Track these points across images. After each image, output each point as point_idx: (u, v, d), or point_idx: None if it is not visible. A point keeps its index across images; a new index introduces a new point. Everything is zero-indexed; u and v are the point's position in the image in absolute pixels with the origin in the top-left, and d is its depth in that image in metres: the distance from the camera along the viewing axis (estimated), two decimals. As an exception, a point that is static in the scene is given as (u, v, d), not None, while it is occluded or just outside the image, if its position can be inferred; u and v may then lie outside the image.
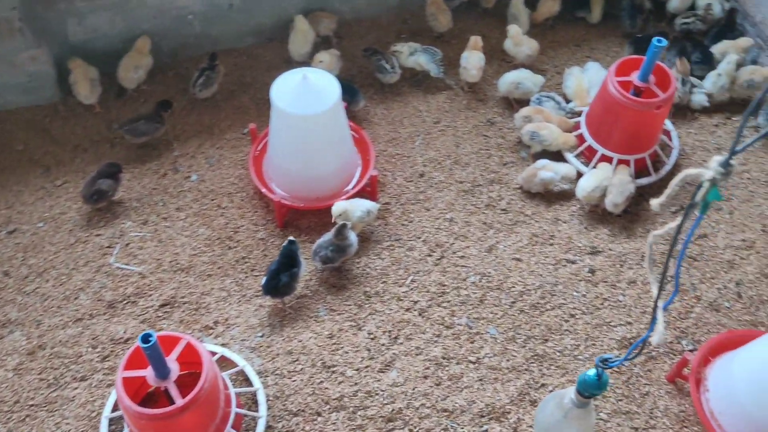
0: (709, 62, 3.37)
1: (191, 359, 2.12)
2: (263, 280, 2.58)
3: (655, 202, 1.48)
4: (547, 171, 2.98)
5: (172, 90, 3.34)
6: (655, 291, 1.56)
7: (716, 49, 3.40)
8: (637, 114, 2.84)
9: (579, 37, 3.70)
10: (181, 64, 3.44)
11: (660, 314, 1.52)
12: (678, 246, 1.50)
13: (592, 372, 1.84)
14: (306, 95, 2.57)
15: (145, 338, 1.85)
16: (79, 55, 3.14)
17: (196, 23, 3.31)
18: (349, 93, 3.15)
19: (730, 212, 3.00)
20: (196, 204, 2.96)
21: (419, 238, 2.88)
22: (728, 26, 3.49)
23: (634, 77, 2.87)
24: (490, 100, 3.38)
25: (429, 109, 3.34)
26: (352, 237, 2.69)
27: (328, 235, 2.68)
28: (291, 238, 2.62)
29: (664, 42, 2.68)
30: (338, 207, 2.71)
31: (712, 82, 3.28)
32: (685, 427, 2.43)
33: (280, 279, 2.55)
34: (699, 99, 3.26)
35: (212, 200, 2.97)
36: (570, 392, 1.93)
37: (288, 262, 2.57)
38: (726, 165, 1.26)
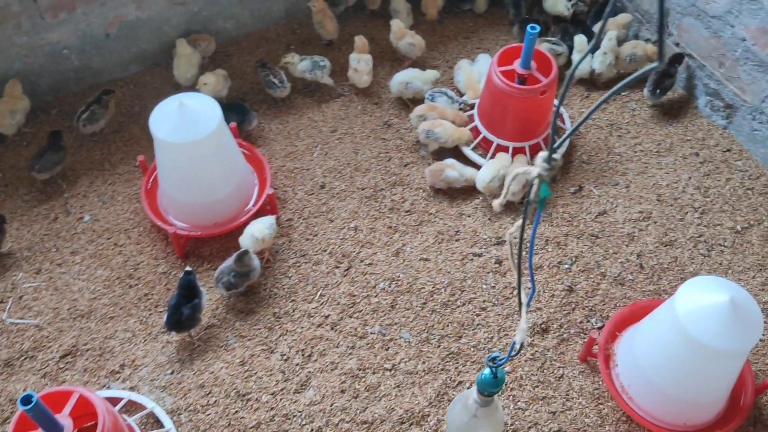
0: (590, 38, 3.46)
1: (88, 410, 2.04)
2: (165, 316, 2.51)
3: (496, 203, 1.47)
4: (453, 170, 2.99)
5: (56, 128, 3.20)
6: (522, 296, 1.56)
7: (597, 27, 3.48)
8: (524, 101, 2.88)
9: (467, 29, 3.73)
10: (64, 100, 3.31)
11: (524, 312, 1.52)
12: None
13: (487, 371, 1.84)
14: (185, 122, 2.50)
15: (26, 400, 1.76)
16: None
17: (73, 57, 3.19)
18: (239, 113, 3.10)
19: (626, 186, 3.08)
20: (91, 245, 2.85)
21: (325, 251, 2.85)
22: (606, 2, 3.57)
23: (517, 65, 2.91)
24: (385, 103, 3.37)
25: (325, 118, 3.30)
26: (255, 261, 2.64)
27: (230, 261, 2.62)
28: (187, 268, 2.55)
29: (538, 28, 2.72)
30: (246, 239, 2.66)
31: (599, 61, 3.35)
32: (600, 404, 2.47)
33: (182, 312, 2.48)
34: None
35: (108, 239, 2.87)
36: (473, 393, 1.93)
37: (188, 294, 2.50)
38: (549, 161, 1.27)
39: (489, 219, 2.97)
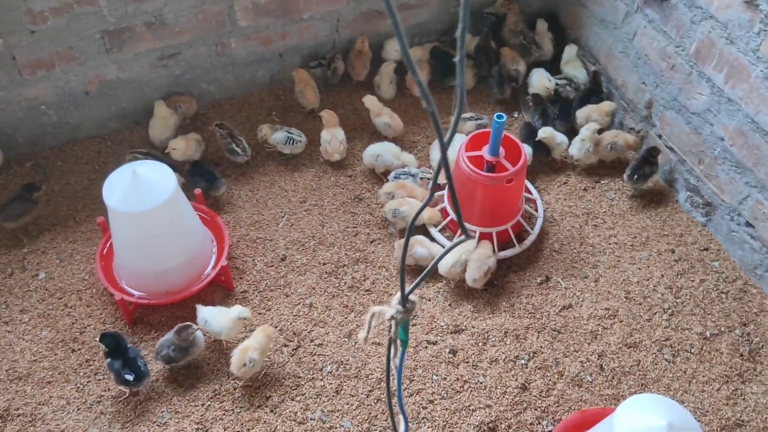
0: (566, 117, 3.45)
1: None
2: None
3: (360, 337, 1.40)
4: (422, 248, 2.92)
5: (29, 180, 3.22)
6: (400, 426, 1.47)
7: (581, 113, 3.43)
8: (490, 188, 2.82)
9: (451, 104, 3.69)
10: (40, 153, 3.33)
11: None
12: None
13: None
14: (137, 191, 2.48)
15: None
16: None
17: (51, 112, 3.22)
18: (207, 179, 3.08)
19: (595, 279, 2.97)
20: (41, 304, 2.82)
21: (276, 327, 2.77)
22: (594, 89, 3.53)
23: (485, 152, 2.86)
24: (359, 176, 3.34)
25: (296, 188, 3.27)
26: (198, 336, 2.58)
27: (170, 334, 2.56)
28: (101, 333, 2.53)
29: (504, 117, 2.68)
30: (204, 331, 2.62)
31: (578, 147, 3.29)
32: None
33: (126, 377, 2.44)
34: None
35: (59, 299, 2.84)
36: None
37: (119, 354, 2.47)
38: (404, 303, 1.20)
39: (449, 305, 2.88)
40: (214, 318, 2.60)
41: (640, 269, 3.00)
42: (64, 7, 2.89)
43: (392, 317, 1.20)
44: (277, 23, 3.39)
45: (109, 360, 2.48)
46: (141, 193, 2.49)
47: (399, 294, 1.19)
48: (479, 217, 2.94)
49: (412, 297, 1.16)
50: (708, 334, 2.79)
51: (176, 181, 2.57)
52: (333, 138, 3.25)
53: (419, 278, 1.19)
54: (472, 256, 2.83)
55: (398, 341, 1.24)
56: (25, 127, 3.22)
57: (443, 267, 2.85)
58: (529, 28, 3.77)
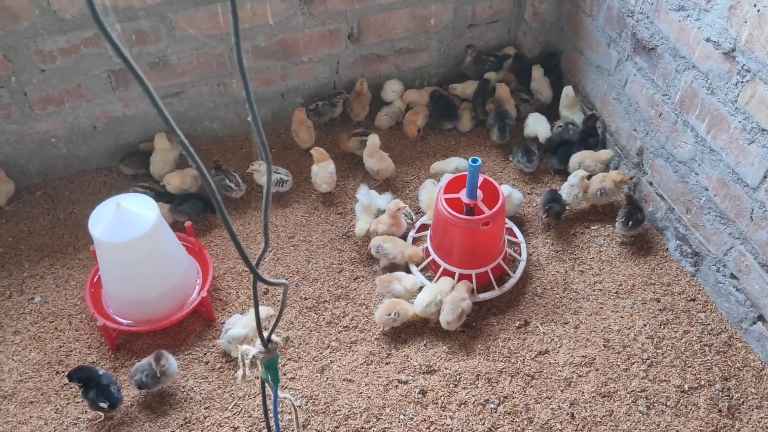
0: (566, 160, 3.48)
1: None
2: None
3: (238, 374, 1.44)
4: (399, 284, 2.97)
5: (37, 210, 3.40)
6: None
7: (575, 157, 3.43)
8: (467, 231, 2.85)
9: (449, 146, 3.76)
10: (50, 183, 3.52)
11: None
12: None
13: None
14: (120, 222, 2.60)
15: None
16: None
17: (61, 145, 3.41)
18: (200, 200, 3.23)
19: (575, 326, 2.95)
20: (34, 327, 2.95)
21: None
22: (589, 132, 3.53)
23: (463, 194, 2.90)
24: (350, 213, 3.41)
25: (286, 224, 3.37)
26: (171, 364, 2.66)
27: (146, 360, 2.65)
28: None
29: (479, 161, 2.72)
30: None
31: (566, 192, 3.30)
32: None
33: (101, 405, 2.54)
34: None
35: (51, 322, 2.97)
36: None
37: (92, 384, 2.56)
38: (267, 344, 1.24)
39: (425, 345, 2.90)
40: (236, 324, 2.76)
41: (622, 317, 2.96)
42: (72, 48, 3.09)
43: (254, 357, 1.25)
44: (277, 65, 3.53)
45: (82, 391, 2.58)
46: (124, 224, 2.61)
47: (265, 335, 1.24)
48: (458, 259, 2.97)
49: (276, 338, 1.21)
50: (686, 387, 2.72)
51: (158, 213, 2.69)
52: (322, 170, 3.34)
53: (276, 320, 1.24)
54: (446, 299, 2.85)
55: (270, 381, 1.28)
56: (37, 158, 3.42)
57: (418, 305, 2.87)
58: (526, 75, 3.82)
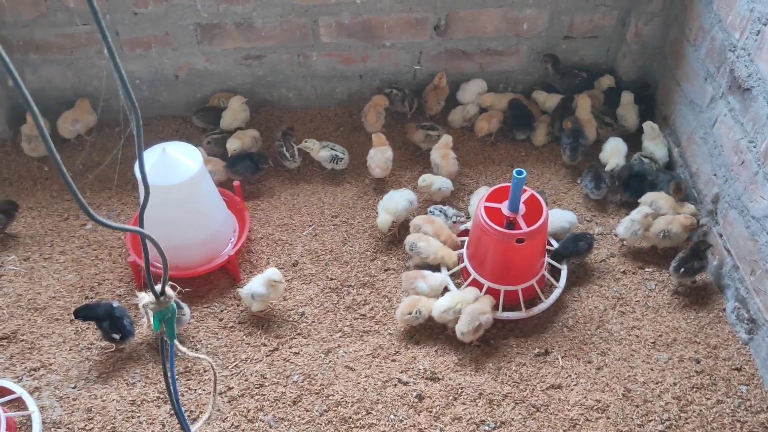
0: (637, 193, 3.25)
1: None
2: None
3: (144, 323, 1.42)
4: (424, 282, 2.91)
5: (111, 144, 3.60)
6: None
7: (648, 197, 3.18)
8: (501, 244, 2.72)
9: (518, 157, 3.61)
10: (129, 123, 3.69)
11: None
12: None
13: None
14: (164, 167, 2.70)
15: None
16: (35, 101, 3.47)
17: (144, 88, 3.59)
18: (252, 160, 3.29)
19: (598, 367, 2.76)
20: (79, 251, 3.13)
21: (262, 326, 2.87)
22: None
23: (505, 206, 2.77)
24: (398, 205, 3.36)
25: (333, 202, 3.37)
26: (186, 312, 2.74)
27: (162, 303, 2.74)
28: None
29: (524, 173, 2.59)
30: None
31: (625, 227, 3.08)
32: None
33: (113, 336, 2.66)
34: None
35: (94, 250, 3.14)
36: None
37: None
38: (158, 296, 1.22)
39: (436, 350, 2.81)
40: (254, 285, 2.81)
41: (652, 370, 2.74)
42: (164, -4, 3.24)
43: (144, 305, 1.24)
44: (358, 45, 3.52)
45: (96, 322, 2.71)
46: (167, 169, 2.71)
47: (158, 287, 1.23)
48: (490, 272, 2.85)
49: (170, 291, 1.20)
50: (702, 460, 2.49)
51: (201, 164, 2.77)
52: (378, 154, 3.32)
53: (164, 272, 1.22)
54: (466, 309, 2.75)
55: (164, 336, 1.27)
56: (120, 96, 3.59)
57: (437, 309, 2.79)
58: (616, 98, 3.60)
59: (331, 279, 3.05)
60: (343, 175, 3.49)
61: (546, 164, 3.58)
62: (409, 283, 2.92)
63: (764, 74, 2.64)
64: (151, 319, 1.33)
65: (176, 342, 1.48)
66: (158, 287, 1.34)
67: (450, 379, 2.71)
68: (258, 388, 2.68)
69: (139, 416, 2.59)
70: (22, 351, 2.77)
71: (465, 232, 3.16)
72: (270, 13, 3.35)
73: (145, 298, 1.30)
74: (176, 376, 2.70)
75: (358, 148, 3.58)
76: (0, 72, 3.36)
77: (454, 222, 3.16)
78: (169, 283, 1.43)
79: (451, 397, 2.66)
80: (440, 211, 3.14)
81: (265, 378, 2.71)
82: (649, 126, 3.41)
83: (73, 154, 3.55)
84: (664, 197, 3.17)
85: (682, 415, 2.61)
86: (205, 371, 2.73)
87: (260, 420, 2.59)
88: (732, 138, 2.87)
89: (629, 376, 2.73)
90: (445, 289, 2.94)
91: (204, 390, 2.66)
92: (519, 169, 2.60)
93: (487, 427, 2.57)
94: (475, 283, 2.91)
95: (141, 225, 1.23)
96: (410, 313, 2.79)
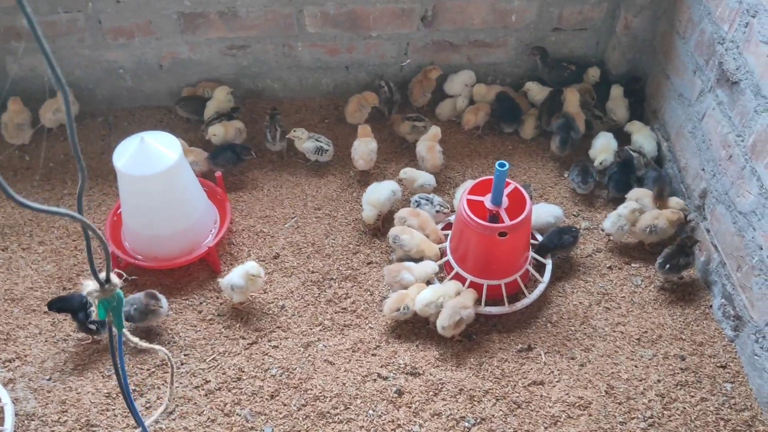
0: (623, 188, 3.21)
1: None
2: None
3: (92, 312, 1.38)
4: (410, 274, 2.86)
5: (94, 134, 3.55)
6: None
7: (635, 193, 3.14)
8: (482, 237, 2.68)
9: (504, 150, 3.57)
10: (113, 112, 3.66)
11: None
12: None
13: None
14: (141, 157, 2.66)
15: None
16: (18, 89, 3.43)
17: (127, 77, 3.54)
18: (233, 151, 3.25)
19: (582, 364, 2.72)
20: (58, 241, 3.09)
21: (242, 319, 2.83)
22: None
23: (487, 199, 2.73)
24: (382, 198, 3.32)
25: (316, 194, 3.32)
26: (163, 304, 2.70)
27: (140, 295, 2.70)
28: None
29: (506, 166, 2.54)
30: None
31: (611, 222, 3.04)
32: None
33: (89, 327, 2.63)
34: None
35: (73, 241, 3.10)
36: None
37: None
38: (104, 284, 1.18)
39: (417, 345, 2.77)
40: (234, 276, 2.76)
41: (636, 366, 2.70)
42: (146, -16, 3.18)
43: (89, 292, 1.20)
44: (344, 35, 3.47)
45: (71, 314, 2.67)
46: (145, 159, 2.67)
47: (103, 274, 1.19)
48: (472, 266, 2.81)
49: (115, 279, 1.16)
50: (684, 458, 2.45)
51: (180, 154, 2.73)
52: (362, 145, 3.27)
53: (106, 260, 1.18)
54: (448, 303, 2.70)
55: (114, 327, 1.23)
56: (104, 86, 3.56)
57: (418, 303, 2.75)
58: (606, 91, 3.55)
59: (313, 272, 3.01)
60: (327, 167, 3.45)
61: (533, 158, 3.53)
62: (393, 277, 2.87)
63: (752, 67, 2.59)
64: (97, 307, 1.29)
65: (126, 332, 1.44)
66: (103, 275, 1.30)
67: (430, 375, 2.68)
68: (236, 381, 2.64)
69: (114, 409, 2.55)
70: (-2, 342, 2.74)
71: (449, 226, 3.12)
72: (254, 2, 3.30)
73: (90, 285, 1.26)
74: (152, 369, 2.67)
75: (343, 140, 3.54)
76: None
77: (438, 211, 3.11)
78: (115, 270, 1.38)
79: (431, 393, 2.62)
80: (426, 200, 3.10)
81: (243, 371, 2.67)
82: (634, 125, 3.39)
83: (55, 143, 3.51)
84: (649, 195, 3.12)
85: (665, 412, 2.57)
86: (182, 363, 2.69)
87: (237, 414, 2.55)
88: (720, 132, 2.82)
89: (612, 372, 2.69)
90: (428, 282, 2.90)
91: (181, 383, 2.63)
92: (501, 161, 2.56)
93: (467, 423, 2.53)
94: (458, 277, 2.87)
95: (80, 211, 1.16)
96: (398, 309, 2.75)
